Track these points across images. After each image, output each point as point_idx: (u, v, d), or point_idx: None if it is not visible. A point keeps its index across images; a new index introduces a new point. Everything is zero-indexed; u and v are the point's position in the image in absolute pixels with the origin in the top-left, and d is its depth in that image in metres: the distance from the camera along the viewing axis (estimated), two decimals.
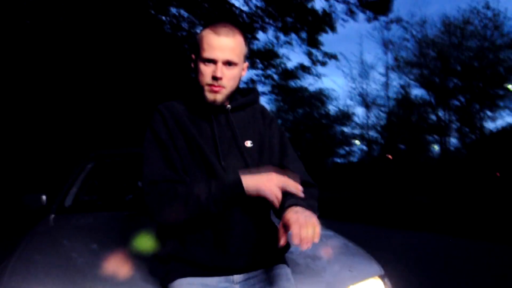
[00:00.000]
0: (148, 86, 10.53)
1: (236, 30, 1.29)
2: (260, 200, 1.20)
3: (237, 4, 12.85)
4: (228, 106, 1.33)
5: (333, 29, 12.09)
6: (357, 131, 28.51)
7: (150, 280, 1.40)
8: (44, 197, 2.51)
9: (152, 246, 1.45)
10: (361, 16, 12.20)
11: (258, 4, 12.77)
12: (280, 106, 35.36)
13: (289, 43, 12.97)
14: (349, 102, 32.08)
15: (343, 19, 11.76)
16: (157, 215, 1.18)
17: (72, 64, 9.04)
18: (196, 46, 1.31)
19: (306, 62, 14.60)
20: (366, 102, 25.80)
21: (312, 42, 12.09)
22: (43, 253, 1.65)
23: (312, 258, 1.70)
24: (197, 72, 1.29)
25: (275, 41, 13.67)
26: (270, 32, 13.59)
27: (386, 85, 24.56)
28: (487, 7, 20.89)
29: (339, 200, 17.34)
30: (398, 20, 16.00)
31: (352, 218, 11.52)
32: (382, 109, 25.45)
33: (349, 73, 33.93)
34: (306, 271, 1.60)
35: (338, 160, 32.12)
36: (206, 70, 1.26)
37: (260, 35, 16.51)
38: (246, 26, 13.21)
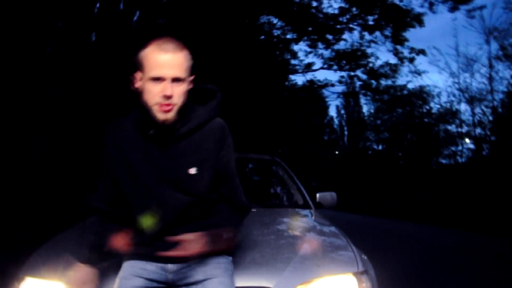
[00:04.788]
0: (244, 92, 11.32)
1: (180, 45, 1.27)
2: (193, 207, 1.35)
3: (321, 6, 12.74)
4: (175, 133, 1.32)
5: (420, 23, 11.46)
6: (462, 130, 26.06)
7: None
8: None
9: None
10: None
11: (342, 5, 12.65)
12: (378, 106, 34.05)
13: (374, 42, 12.60)
14: (450, 98, 29.29)
15: (420, 12, 11.11)
16: None
17: None
18: (140, 64, 1.27)
19: (393, 60, 13.91)
20: (469, 97, 23.53)
21: (397, 39, 11.58)
22: (65, 243, 1.89)
23: (278, 248, 1.78)
24: (143, 91, 1.27)
25: (360, 41, 13.41)
26: (355, 33, 13.31)
27: (489, 77, 22.09)
28: None
29: (442, 204, 16.11)
30: (482, 7, 14.29)
31: (459, 224, 10.31)
32: (486, 103, 22.94)
33: (447, 68, 31.40)
34: (259, 262, 1.64)
35: (443, 161, 29.65)
36: (155, 89, 1.23)
37: (346, 36, 16.26)
38: (330, 28, 13.17)
